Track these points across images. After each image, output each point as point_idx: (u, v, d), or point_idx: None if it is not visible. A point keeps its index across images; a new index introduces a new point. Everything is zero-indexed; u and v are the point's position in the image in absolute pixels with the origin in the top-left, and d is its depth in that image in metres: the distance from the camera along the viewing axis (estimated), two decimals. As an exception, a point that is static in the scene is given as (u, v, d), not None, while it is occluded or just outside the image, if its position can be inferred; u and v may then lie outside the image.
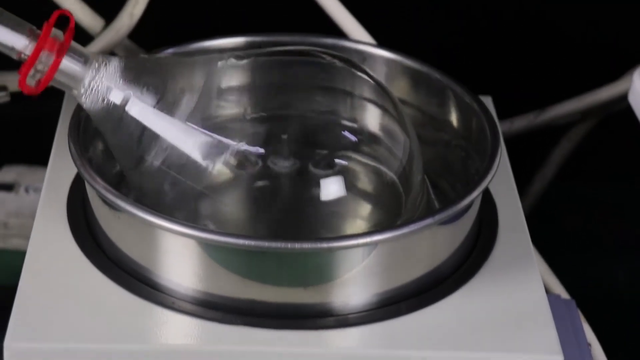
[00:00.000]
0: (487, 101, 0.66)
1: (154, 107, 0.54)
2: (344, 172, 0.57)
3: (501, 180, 0.60)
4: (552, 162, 0.79)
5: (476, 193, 0.54)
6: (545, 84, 0.80)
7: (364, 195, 0.57)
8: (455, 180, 0.61)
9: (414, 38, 0.79)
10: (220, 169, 0.55)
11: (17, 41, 0.52)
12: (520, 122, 0.76)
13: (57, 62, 0.52)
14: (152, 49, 0.62)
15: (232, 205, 0.56)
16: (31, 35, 0.52)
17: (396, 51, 0.63)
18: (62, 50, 0.52)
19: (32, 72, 0.52)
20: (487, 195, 0.59)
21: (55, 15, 0.52)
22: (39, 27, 0.52)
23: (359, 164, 0.57)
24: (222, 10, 0.79)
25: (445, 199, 0.60)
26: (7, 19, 0.52)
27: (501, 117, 0.67)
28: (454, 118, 0.61)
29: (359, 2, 0.71)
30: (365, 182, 0.57)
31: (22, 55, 0.52)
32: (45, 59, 0.52)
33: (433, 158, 0.61)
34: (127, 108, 0.54)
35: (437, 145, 0.62)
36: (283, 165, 0.57)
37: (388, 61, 0.63)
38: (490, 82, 0.72)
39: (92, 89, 0.53)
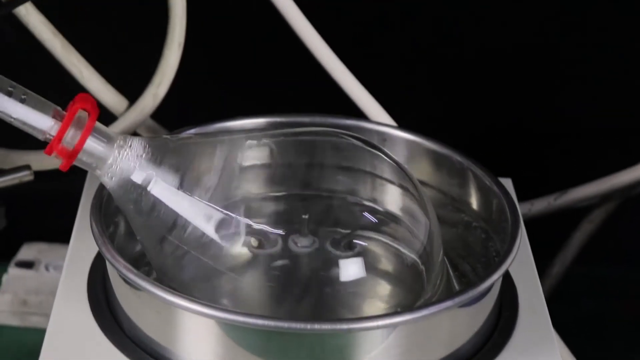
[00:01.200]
0: (507, 183, 0.66)
1: (176, 187, 0.54)
2: (364, 253, 0.57)
3: (521, 263, 0.60)
4: (573, 245, 0.78)
5: (496, 276, 0.53)
6: (566, 166, 0.81)
7: (384, 276, 0.57)
8: (475, 261, 0.60)
9: (435, 120, 0.79)
10: (240, 248, 0.55)
11: (42, 122, 0.52)
12: (540, 205, 0.76)
13: (81, 143, 0.52)
14: (174, 128, 0.62)
15: (252, 285, 0.56)
16: (56, 116, 0.52)
17: (417, 133, 0.63)
18: (86, 131, 0.52)
19: (56, 152, 0.53)
20: (507, 278, 0.59)
21: (79, 97, 0.52)
22: (64, 107, 0.53)
23: (379, 244, 0.57)
24: (244, 91, 0.80)
25: (466, 280, 0.60)
26: (33, 99, 0.52)
27: (521, 199, 0.67)
28: (474, 200, 0.61)
29: (379, 84, 0.72)
30: (385, 263, 0.57)
31: (47, 136, 0.52)
32: (70, 139, 0.52)
33: (453, 239, 0.61)
34: (149, 188, 0.54)
35: (457, 226, 0.62)
36: (303, 244, 0.57)
37: (409, 142, 0.63)
38: (510, 164, 0.72)
39: (114, 169, 0.54)
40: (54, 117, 0.52)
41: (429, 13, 0.78)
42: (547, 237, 0.71)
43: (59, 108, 0.53)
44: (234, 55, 0.80)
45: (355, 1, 0.78)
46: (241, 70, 0.80)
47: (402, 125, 0.66)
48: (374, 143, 0.59)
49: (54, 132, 0.52)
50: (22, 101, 0.52)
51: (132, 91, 0.72)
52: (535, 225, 0.70)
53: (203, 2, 0.73)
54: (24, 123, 0.52)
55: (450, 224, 0.61)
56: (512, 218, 0.57)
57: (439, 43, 0.79)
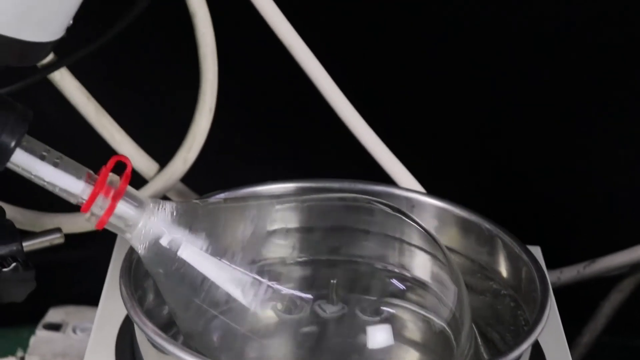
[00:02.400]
0: (536, 251, 0.66)
1: (205, 251, 0.54)
2: (392, 320, 0.56)
3: (550, 332, 0.59)
4: (602, 314, 0.78)
5: (525, 345, 0.53)
6: (595, 235, 0.80)
7: (412, 343, 0.57)
8: (504, 330, 0.60)
9: (463, 186, 0.79)
10: (267, 313, 0.55)
11: (75, 185, 0.53)
12: (569, 273, 0.76)
13: (112, 207, 0.53)
14: (204, 192, 0.63)
15: (278, 350, 0.56)
16: (89, 179, 0.53)
17: (445, 199, 0.63)
18: (117, 195, 0.53)
19: (88, 215, 0.53)
20: (536, 347, 0.58)
21: (112, 161, 0.53)
22: (97, 171, 0.53)
23: (407, 311, 0.57)
24: (274, 156, 0.80)
25: (494, 348, 0.60)
26: (66, 163, 0.53)
27: (550, 267, 0.67)
28: (503, 267, 0.61)
29: (408, 150, 0.72)
30: (413, 330, 0.57)
31: (80, 199, 0.53)
32: (102, 203, 0.53)
33: (482, 307, 0.61)
34: (178, 252, 0.54)
35: (486, 294, 0.61)
36: (330, 310, 0.57)
37: (437, 209, 0.63)
38: (539, 232, 0.72)
39: (145, 233, 0.54)
40: (86, 180, 0.53)
41: (459, 80, 0.78)
42: (576, 306, 0.70)
43: (91, 172, 0.53)
44: (264, 121, 0.80)
45: (384, 67, 0.78)
46: (271, 135, 0.80)
47: (430, 191, 0.67)
48: (402, 210, 0.59)
49: (86, 196, 0.53)
50: (55, 165, 0.52)
51: (162, 155, 0.73)
52: (564, 294, 0.69)
53: (234, 68, 0.74)
54: (57, 187, 0.53)
55: (479, 292, 0.61)
56: (542, 286, 0.56)
57: (468, 111, 0.79)
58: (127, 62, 0.78)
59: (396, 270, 0.58)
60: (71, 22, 0.48)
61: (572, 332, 0.64)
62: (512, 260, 0.60)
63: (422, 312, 0.57)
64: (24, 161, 0.51)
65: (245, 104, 0.79)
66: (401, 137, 0.72)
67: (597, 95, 0.78)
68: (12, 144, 0.49)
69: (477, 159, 0.80)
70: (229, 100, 0.73)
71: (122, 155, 0.53)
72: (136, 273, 0.56)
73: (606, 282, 0.78)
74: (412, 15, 0.77)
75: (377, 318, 0.56)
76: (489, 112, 0.79)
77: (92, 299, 0.62)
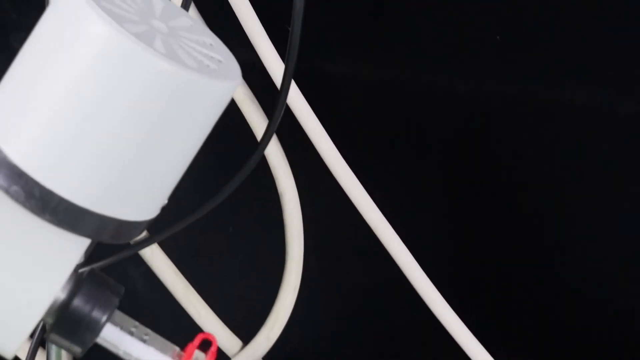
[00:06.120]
0: None
1: None
2: None
3: None
4: None
5: None
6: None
7: None
8: None
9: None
10: None
11: (162, 362, 0.53)
12: None
13: (197, 384, 0.53)
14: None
15: None
16: (175, 356, 0.53)
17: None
18: (203, 373, 0.53)
19: (172, 391, 0.53)
20: None
21: (198, 338, 0.53)
22: (183, 347, 0.54)
23: None
24: (356, 340, 0.79)
25: None
26: (154, 339, 0.53)
27: None
28: None
29: (496, 342, 0.71)
30: None
31: (166, 376, 0.53)
32: (187, 380, 0.53)
33: None
34: None
35: None
36: None
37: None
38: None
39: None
40: (172, 357, 0.53)
41: (541, 274, 0.78)
42: None
43: (177, 348, 0.54)
44: (347, 302, 0.80)
45: (472, 258, 0.78)
46: (355, 317, 0.80)
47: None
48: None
49: (172, 373, 0.53)
50: (144, 341, 0.53)
51: (246, 331, 0.73)
52: None
53: (320, 247, 0.74)
54: (143, 363, 0.53)
55: None
56: None
57: (553, 303, 0.78)
58: (213, 237, 0.79)
59: None
60: (166, 201, 0.49)
61: None
62: None
63: None
64: (113, 336, 0.52)
65: (328, 284, 0.80)
66: (489, 329, 0.72)
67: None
68: (103, 319, 0.50)
69: (563, 346, 0.79)
70: (312, 277, 0.73)
71: (208, 333, 0.53)
72: None
73: None
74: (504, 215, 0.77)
75: None
76: (573, 301, 0.78)
77: None
